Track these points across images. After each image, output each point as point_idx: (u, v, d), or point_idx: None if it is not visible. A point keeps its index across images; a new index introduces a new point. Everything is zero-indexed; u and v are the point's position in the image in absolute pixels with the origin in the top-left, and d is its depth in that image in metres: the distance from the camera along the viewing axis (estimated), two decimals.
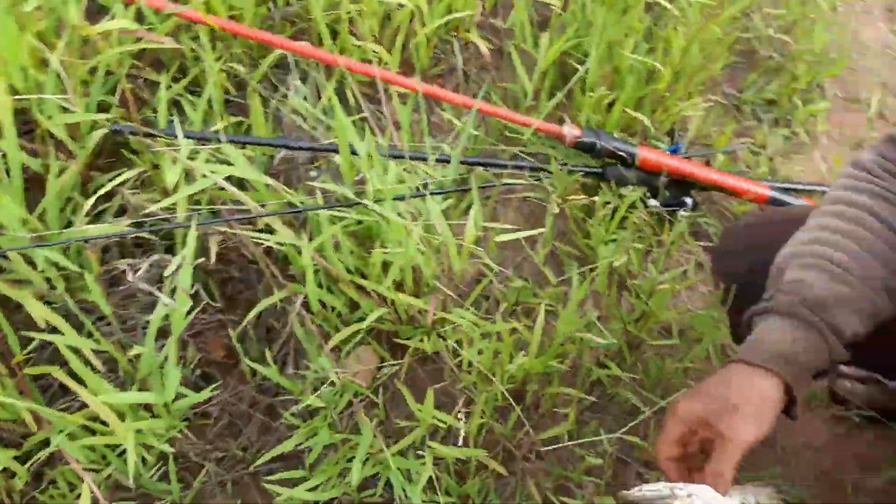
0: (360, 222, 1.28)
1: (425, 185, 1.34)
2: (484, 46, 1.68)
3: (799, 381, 0.84)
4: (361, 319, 1.26)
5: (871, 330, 0.90)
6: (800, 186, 1.73)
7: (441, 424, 1.24)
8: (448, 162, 1.41)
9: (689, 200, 1.63)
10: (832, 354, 0.87)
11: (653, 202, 1.62)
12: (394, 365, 1.32)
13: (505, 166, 1.53)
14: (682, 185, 1.64)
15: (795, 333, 0.87)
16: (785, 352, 0.86)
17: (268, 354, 1.25)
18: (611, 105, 1.66)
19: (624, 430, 1.33)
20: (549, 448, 1.34)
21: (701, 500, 0.81)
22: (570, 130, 1.55)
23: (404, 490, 1.21)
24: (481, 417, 1.25)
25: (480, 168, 1.52)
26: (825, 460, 1.48)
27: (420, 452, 1.25)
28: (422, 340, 1.30)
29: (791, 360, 0.85)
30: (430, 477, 1.21)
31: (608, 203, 1.56)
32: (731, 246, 1.22)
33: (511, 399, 1.25)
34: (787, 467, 1.43)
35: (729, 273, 1.16)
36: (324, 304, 1.27)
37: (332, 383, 1.23)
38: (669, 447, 0.86)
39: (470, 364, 1.28)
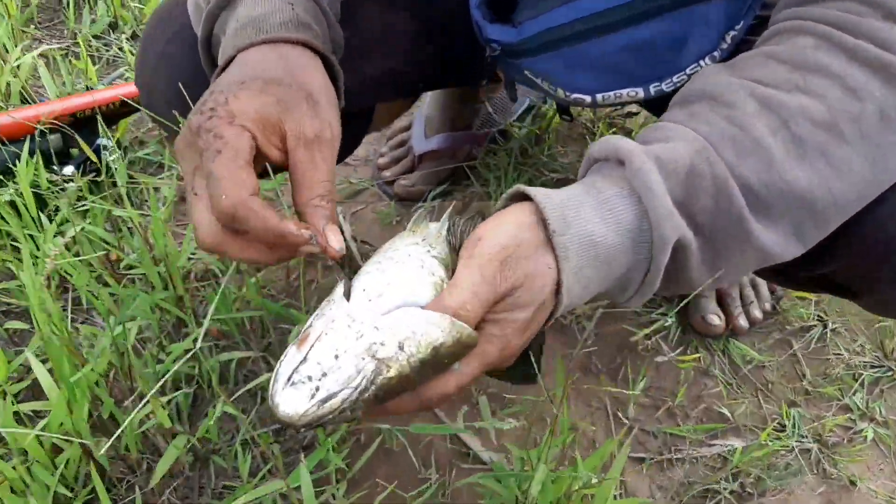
0: None
1: None
2: None
3: (318, 42, 0.63)
4: None
5: None
6: None
7: None
8: None
9: (103, 141, 1.26)
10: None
11: (68, 169, 1.21)
12: None
13: None
14: (81, 132, 1.25)
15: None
16: (291, 17, 0.62)
17: None
18: None
19: None
20: None
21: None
22: None
23: None
24: None
25: None
26: None
27: None
28: None
29: (303, 23, 0.64)
30: None
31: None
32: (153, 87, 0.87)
33: None
34: None
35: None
36: None
37: None
38: (243, 186, 0.52)
39: None
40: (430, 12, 0.92)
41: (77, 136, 1.09)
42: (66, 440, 0.90)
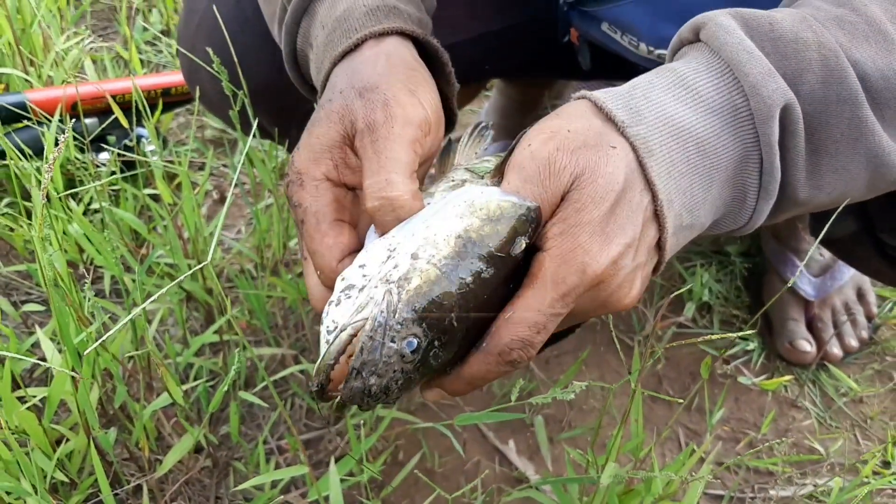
0: None
1: None
2: None
3: (406, 23, 0.56)
4: None
5: None
6: None
7: None
8: None
9: (142, 130, 1.19)
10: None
11: (103, 155, 1.14)
12: None
13: None
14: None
15: None
16: (375, 5, 0.55)
17: None
18: None
19: None
20: None
21: None
22: None
23: None
24: None
25: None
26: None
27: None
28: None
29: (389, 6, 0.56)
30: None
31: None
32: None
33: None
34: None
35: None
36: None
37: None
38: (331, 255, 0.50)
39: None
40: None
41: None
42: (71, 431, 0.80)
